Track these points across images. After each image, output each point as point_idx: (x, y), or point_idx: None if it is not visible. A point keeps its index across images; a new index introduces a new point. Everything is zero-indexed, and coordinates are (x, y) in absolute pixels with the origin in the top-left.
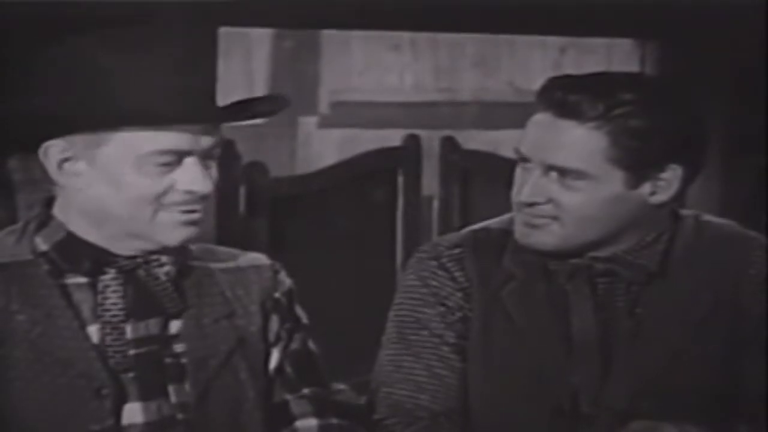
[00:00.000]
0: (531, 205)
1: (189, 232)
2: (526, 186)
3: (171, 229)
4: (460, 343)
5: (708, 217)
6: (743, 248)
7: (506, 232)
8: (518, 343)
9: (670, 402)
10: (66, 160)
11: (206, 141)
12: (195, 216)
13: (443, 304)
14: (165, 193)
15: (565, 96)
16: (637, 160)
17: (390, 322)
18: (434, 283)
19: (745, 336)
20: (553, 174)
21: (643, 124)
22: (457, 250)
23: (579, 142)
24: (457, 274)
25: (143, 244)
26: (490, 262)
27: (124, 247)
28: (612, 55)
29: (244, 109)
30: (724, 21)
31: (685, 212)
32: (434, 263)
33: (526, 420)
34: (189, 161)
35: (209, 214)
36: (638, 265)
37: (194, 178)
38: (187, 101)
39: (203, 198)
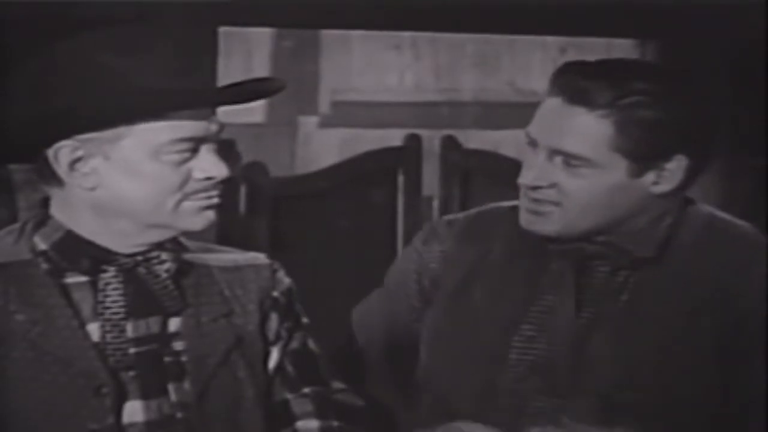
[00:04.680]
0: (534, 188)
1: (210, 216)
2: (531, 169)
3: (192, 215)
4: (425, 304)
5: (724, 216)
6: (746, 248)
7: (511, 209)
8: (479, 317)
9: (653, 395)
10: (78, 159)
11: (214, 126)
12: (215, 200)
13: (424, 264)
14: (185, 182)
15: (576, 82)
16: (642, 151)
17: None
18: (421, 245)
19: (745, 337)
20: (558, 159)
21: (652, 115)
22: (453, 218)
23: (586, 129)
24: (444, 235)
25: (162, 233)
26: (482, 234)
27: (132, 243)
28: (612, 55)
29: (243, 89)
30: (724, 21)
31: (701, 207)
32: (428, 225)
33: (468, 390)
34: (204, 149)
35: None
36: (624, 250)
37: (212, 164)
38: (191, 83)
39: (221, 183)
